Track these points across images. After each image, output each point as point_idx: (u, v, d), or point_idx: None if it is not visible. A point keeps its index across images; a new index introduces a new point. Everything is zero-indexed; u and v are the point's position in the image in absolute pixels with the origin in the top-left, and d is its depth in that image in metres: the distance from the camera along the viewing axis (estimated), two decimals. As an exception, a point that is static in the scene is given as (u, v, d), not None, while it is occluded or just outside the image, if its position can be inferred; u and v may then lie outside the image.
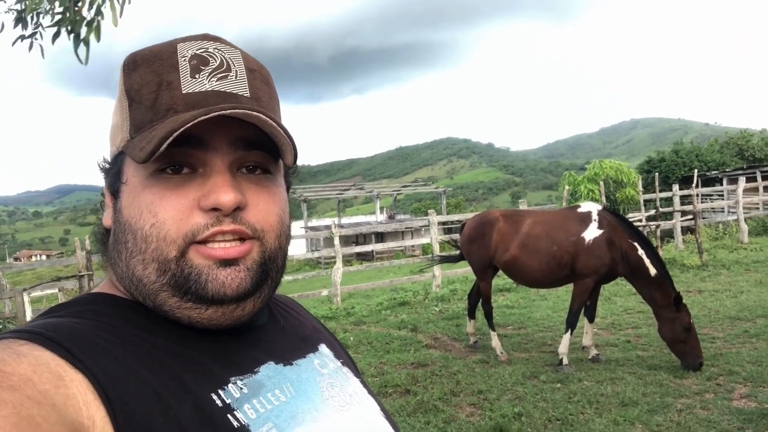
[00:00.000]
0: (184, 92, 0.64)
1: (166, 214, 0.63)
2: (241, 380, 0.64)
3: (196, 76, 0.65)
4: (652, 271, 5.22)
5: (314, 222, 37.12)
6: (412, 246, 26.08)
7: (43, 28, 3.69)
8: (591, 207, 5.81)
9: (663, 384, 4.74)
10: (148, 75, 0.65)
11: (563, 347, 5.44)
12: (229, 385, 0.63)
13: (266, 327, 0.75)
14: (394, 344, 6.67)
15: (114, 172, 0.69)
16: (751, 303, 7.30)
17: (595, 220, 5.55)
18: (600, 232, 5.45)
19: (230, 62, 0.67)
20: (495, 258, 5.97)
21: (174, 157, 0.63)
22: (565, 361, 5.38)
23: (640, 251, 5.30)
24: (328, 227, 20.58)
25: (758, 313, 6.72)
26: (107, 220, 0.71)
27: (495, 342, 6.03)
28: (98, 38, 3.45)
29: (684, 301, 5.10)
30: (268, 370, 0.68)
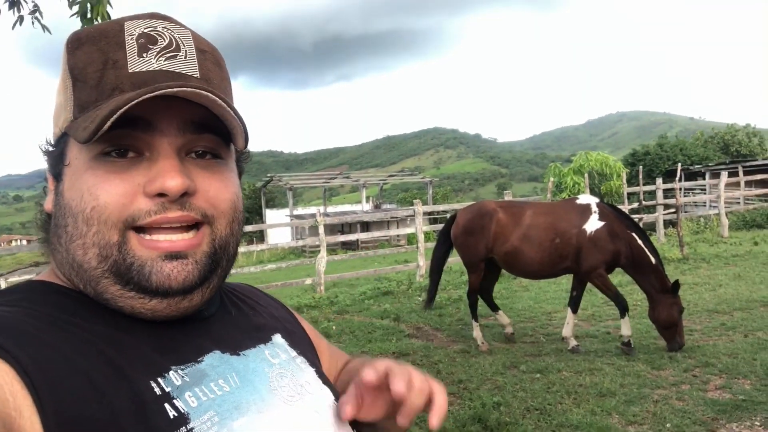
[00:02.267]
0: (130, 71, 0.62)
1: (108, 197, 0.60)
2: (183, 369, 0.63)
3: (144, 56, 0.63)
4: (652, 259, 5.39)
5: (300, 210, 36.98)
6: (398, 236, 26.10)
7: (40, 9, 3.63)
8: (589, 199, 5.91)
9: (640, 375, 4.80)
10: (94, 53, 0.63)
11: (626, 330, 5.48)
12: (170, 372, 0.61)
13: (215, 317, 0.73)
14: (376, 333, 6.68)
15: (56, 154, 0.67)
16: (729, 296, 7.40)
17: (595, 212, 5.63)
18: (602, 223, 5.54)
19: (179, 42, 0.65)
20: (494, 249, 5.93)
21: (119, 140, 0.61)
22: (632, 343, 5.46)
23: (639, 241, 5.46)
24: (313, 216, 20.53)
25: (735, 306, 6.82)
26: (48, 204, 0.68)
27: (476, 333, 6.05)
28: (104, 18, 3.38)
29: None
30: (213, 359, 0.66)
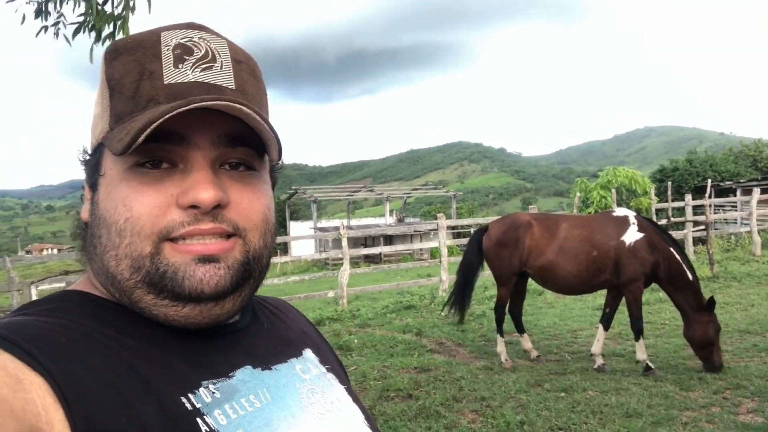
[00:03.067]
0: (166, 83, 0.62)
1: (141, 209, 0.61)
2: (214, 384, 0.62)
3: (180, 66, 0.63)
4: (690, 275, 5.29)
5: (323, 223, 37.15)
6: (421, 249, 26.01)
7: (65, 18, 3.63)
8: (627, 212, 5.85)
9: (668, 396, 4.68)
10: (130, 64, 0.63)
11: (641, 354, 5.42)
12: (201, 388, 0.61)
13: (248, 330, 0.73)
14: (398, 348, 6.64)
15: (93, 164, 0.67)
16: (762, 317, 7.19)
17: (633, 224, 5.54)
18: (641, 235, 5.45)
19: (216, 52, 0.65)
20: (528, 263, 5.81)
21: (153, 152, 0.62)
22: (651, 365, 5.38)
23: (678, 256, 5.36)
24: (336, 228, 20.58)
25: (768, 327, 6.63)
26: (85, 213, 0.69)
27: (500, 348, 5.96)
28: (126, 34, 3.41)
29: None
30: (245, 374, 0.66)
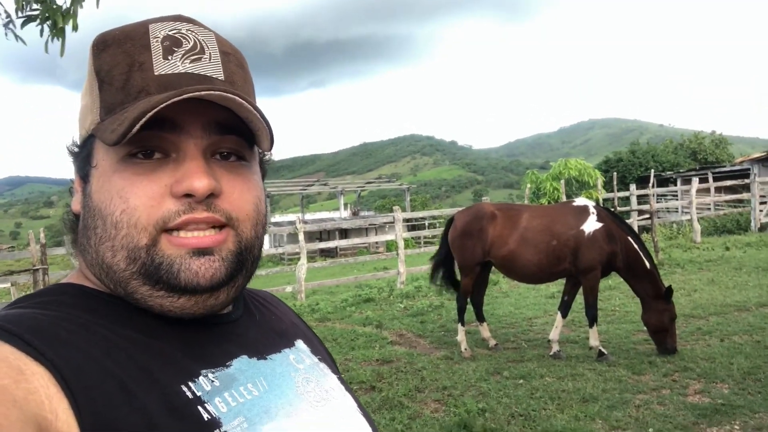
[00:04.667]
0: (156, 74, 0.62)
1: (137, 200, 0.61)
2: (213, 373, 0.63)
3: (169, 58, 0.63)
4: (647, 263, 5.46)
5: (277, 218, 36.75)
6: (377, 243, 26.09)
7: (12, 16, 3.49)
8: (586, 201, 5.98)
9: (622, 380, 4.87)
10: (119, 56, 0.63)
11: (594, 341, 5.58)
12: (200, 377, 0.62)
13: (241, 320, 0.74)
14: (359, 341, 6.66)
15: (84, 155, 0.67)
16: (704, 301, 7.56)
17: (593, 213, 5.68)
18: (600, 225, 5.59)
19: (204, 44, 0.66)
20: (491, 253, 5.91)
21: (146, 141, 0.62)
22: (604, 350, 5.53)
23: (635, 245, 5.52)
24: (292, 223, 20.41)
25: (711, 311, 6.97)
26: (76, 205, 0.69)
27: (461, 337, 6.06)
28: (75, 28, 3.30)
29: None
30: (241, 363, 0.67)
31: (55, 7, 3.19)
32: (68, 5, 3.29)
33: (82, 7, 3.34)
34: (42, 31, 3.25)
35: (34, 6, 3.20)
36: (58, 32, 3.26)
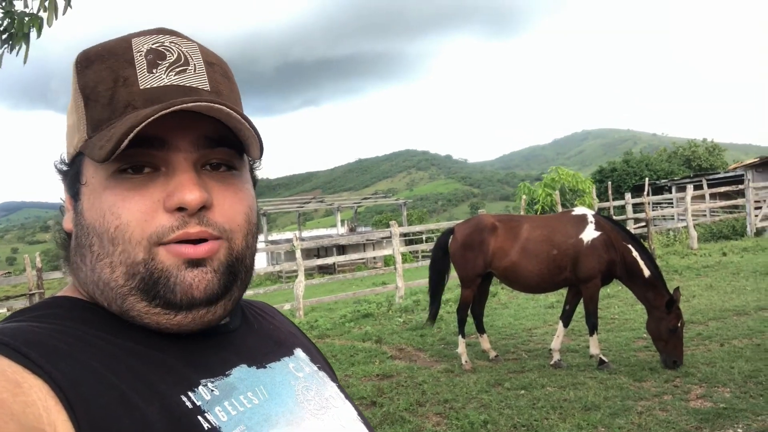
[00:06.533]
0: (141, 88, 0.62)
1: (129, 215, 0.61)
2: (212, 382, 0.63)
3: (154, 71, 0.63)
4: (646, 272, 5.41)
5: (275, 236, 36.68)
6: (374, 258, 26.06)
7: None
8: (585, 211, 5.99)
9: (623, 387, 4.85)
10: (103, 71, 0.63)
11: (595, 349, 5.55)
12: (200, 387, 0.61)
13: (239, 330, 0.74)
14: (358, 356, 6.63)
15: (73, 173, 0.67)
16: (703, 306, 7.56)
17: (591, 222, 5.68)
18: (598, 233, 5.58)
19: (188, 56, 0.66)
20: (493, 264, 5.90)
21: (135, 157, 0.62)
22: (605, 358, 5.50)
23: (635, 253, 5.48)
24: (289, 240, 20.37)
25: (710, 316, 6.97)
26: (68, 223, 0.69)
27: (461, 349, 6.03)
28: (39, 33, 3.25)
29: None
30: (241, 372, 0.67)
31: (19, 13, 3.15)
32: (35, 11, 3.25)
33: (56, 17, 3.28)
34: (11, 45, 3.23)
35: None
36: (18, 40, 3.22)
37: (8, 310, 10.45)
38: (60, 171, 0.69)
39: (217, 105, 0.60)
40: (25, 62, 3.26)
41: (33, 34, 3.25)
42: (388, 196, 44.94)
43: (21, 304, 9.34)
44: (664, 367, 5.20)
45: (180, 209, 0.61)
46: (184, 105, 0.59)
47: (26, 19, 3.19)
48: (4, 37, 3.23)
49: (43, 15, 3.18)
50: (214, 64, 0.68)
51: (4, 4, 3.22)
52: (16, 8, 3.24)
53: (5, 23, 3.20)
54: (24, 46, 3.24)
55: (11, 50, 3.28)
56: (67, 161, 0.68)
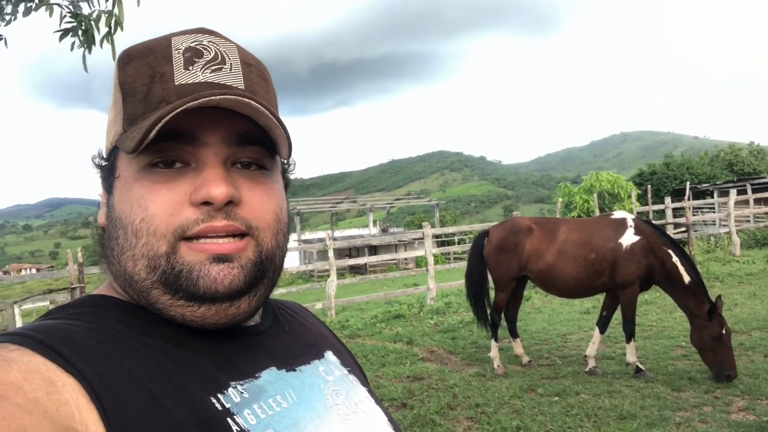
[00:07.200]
0: (176, 83, 0.63)
1: (156, 208, 0.61)
2: (242, 385, 0.63)
3: (190, 68, 0.64)
4: (686, 279, 5.25)
5: (307, 235, 37.02)
6: (406, 259, 26.03)
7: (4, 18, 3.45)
8: (625, 214, 5.84)
9: (661, 397, 4.72)
10: (142, 68, 0.65)
11: (631, 356, 5.45)
12: (229, 389, 0.61)
13: (269, 331, 0.74)
14: (389, 357, 6.62)
15: (108, 167, 0.68)
16: (746, 316, 7.31)
17: (631, 227, 5.56)
18: (637, 238, 5.46)
19: (225, 55, 0.66)
20: (528, 267, 5.83)
21: (166, 152, 0.62)
22: (642, 366, 5.40)
23: (675, 259, 5.33)
24: (321, 240, 20.53)
25: (753, 326, 6.73)
26: (102, 217, 0.70)
27: (494, 353, 5.97)
28: (116, 29, 3.24)
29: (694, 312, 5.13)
30: (270, 375, 0.67)
31: (90, 13, 3.19)
32: (110, 7, 3.28)
33: (121, 4, 3.30)
34: (73, 45, 3.27)
35: (68, 19, 3.22)
36: (90, 39, 3.23)
37: (51, 303, 10.80)
38: (97, 165, 0.70)
39: (245, 99, 0.60)
40: (114, 58, 3.30)
41: (115, 30, 3.26)
42: (420, 197, 44.87)
43: (63, 297, 9.64)
44: (716, 381, 4.93)
45: (206, 204, 0.61)
46: (213, 98, 0.59)
47: (104, 16, 3.23)
48: (81, 39, 3.28)
49: (116, 11, 3.22)
50: (251, 65, 0.69)
51: (71, 7, 3.28)
52: (82, 10, 3.30)
53: (74, 24, 3.24)
54: (110, 44, 3.25)
55: (89, 50, 3.33)
56: (104, 156, 0.70)
